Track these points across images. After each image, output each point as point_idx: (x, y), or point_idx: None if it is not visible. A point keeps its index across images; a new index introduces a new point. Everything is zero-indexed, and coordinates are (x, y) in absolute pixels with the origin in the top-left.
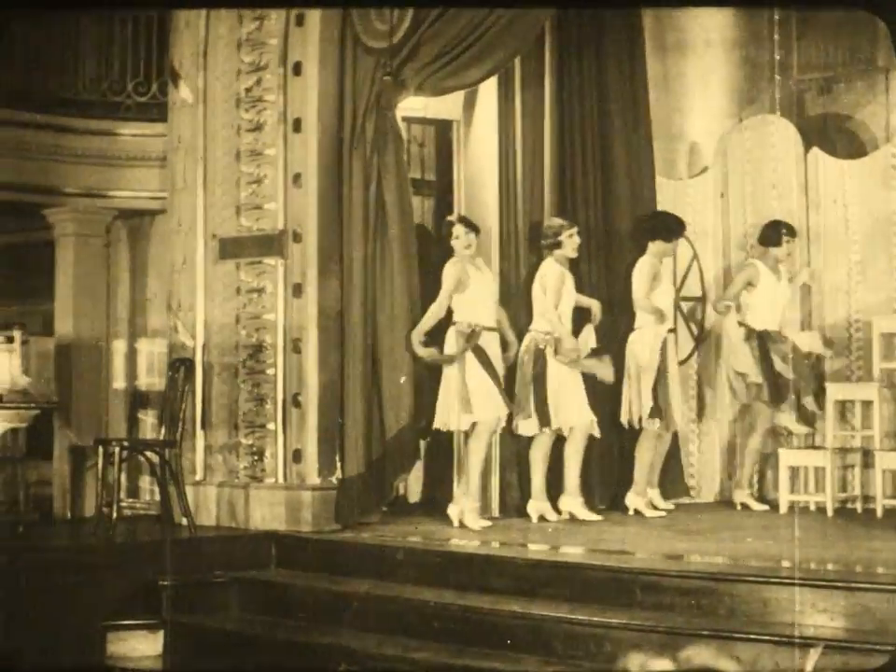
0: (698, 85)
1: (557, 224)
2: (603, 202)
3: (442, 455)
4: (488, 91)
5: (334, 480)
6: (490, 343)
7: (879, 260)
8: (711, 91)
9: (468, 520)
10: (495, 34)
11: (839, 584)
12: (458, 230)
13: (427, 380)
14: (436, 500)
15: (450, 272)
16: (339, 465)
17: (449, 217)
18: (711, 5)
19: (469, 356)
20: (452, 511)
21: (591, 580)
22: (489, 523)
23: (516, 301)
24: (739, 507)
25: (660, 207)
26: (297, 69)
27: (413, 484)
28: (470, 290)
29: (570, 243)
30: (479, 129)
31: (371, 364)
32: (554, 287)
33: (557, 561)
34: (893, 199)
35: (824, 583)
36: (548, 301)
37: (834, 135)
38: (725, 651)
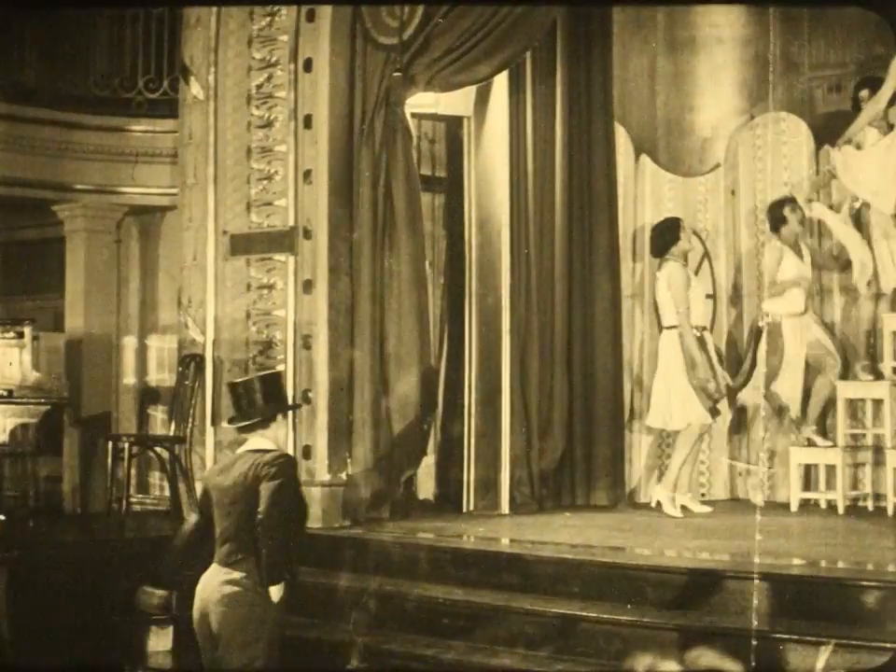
0: (709, 82)
1: None
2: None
3: (454, 453)
4: (499, 86)
5: (344, 476)
6: None
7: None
8: (722, 89)
9: (667, 508)
10: (505, 29)
11: (849, 581)
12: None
13: (434, 376)
14: (447, 497)
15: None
16: (348, 461)
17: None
18: (722, 2)
19: None
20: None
21: (600, 577)
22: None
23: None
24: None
25: (671, 205)
26: (307, 65)
27: (423, 481)
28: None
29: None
30: (490, 125)
31: (379, 361)
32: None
33: (565, 558)
34: None
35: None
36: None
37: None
38: (737, 648)
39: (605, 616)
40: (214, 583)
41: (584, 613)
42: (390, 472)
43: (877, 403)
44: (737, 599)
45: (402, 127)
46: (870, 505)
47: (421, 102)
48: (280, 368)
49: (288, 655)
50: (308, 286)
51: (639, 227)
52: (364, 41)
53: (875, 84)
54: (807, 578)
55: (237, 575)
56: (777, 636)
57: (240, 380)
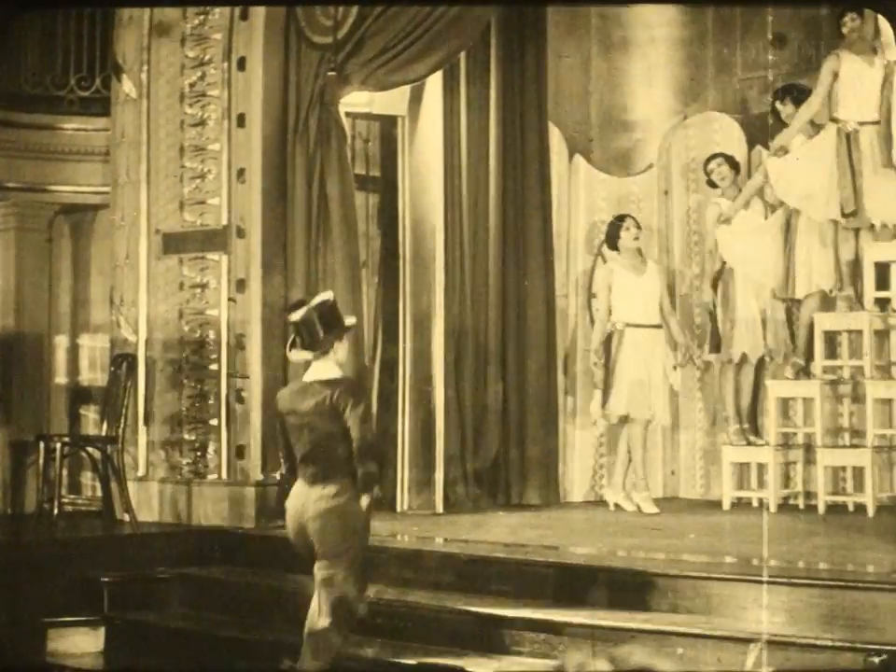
0: (642, 82)
1: None
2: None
3: (389, 452)
4: (433, 86)
5: (277, 476)
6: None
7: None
8: (655, 89)
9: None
10: (439, 29)
11: (781, 580)
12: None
13: (368, 375)
14: (382, 497)
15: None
16: (281, 460)
17: None
18: (681, 2)
19: None
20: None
21: (534, 575)
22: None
23: None
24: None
25: (605, 205)
26: (241, 64)
27: None
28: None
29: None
30: (424, 124)
31: None
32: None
33: (500, 557)
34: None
35: (766, 579)
36: None
37: (776, 133)
38: (667, 647)
39: (538, 616)
40: (307, 500)
41: (517, 613)
42: None
43: (808, 402)
44: (669, 597)
45: (336, 126)
46: (801, 503)
47: (355, 101)
48: (328, 296)
49: (222, 656)
50: (241, 285)
51: (573, 226)
52: (298, 40)
53: (794, 92)
54: (736, 576)
55: (328, 491)
56: (707, 633)
57: (298, 317)
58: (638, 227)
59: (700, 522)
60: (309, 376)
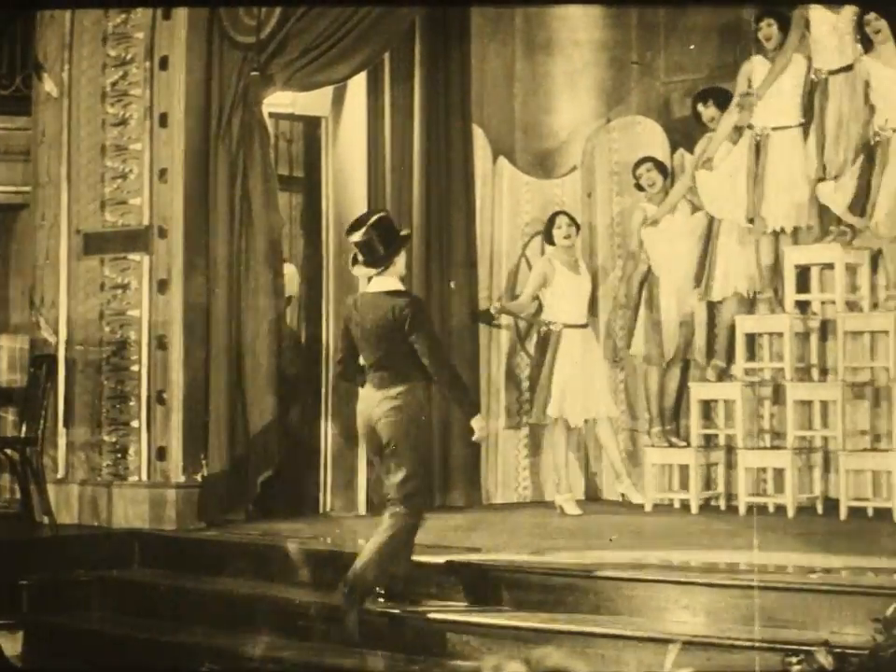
0: (566, 85)
1: None
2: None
3: (306, 454)
4: (357, 86)
5: (199, 478)
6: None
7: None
8: (579, 92)
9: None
10: (363, 30)
11: (702, 581)
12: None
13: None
14: (303, 498)
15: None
16: (203, 462)
17: None
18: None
19: None
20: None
21: (456, 577)
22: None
23: None
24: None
25: (529, 207)
26: (163, 63)
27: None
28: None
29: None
30: (347, 125)
31: (235, 361)
32: None
33: (422, 561)
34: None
35: (688, 580)
36: None
37: (698, 136)
38: (589, 648)
39: (458, 618)
40: (375, 402)
41: (437, 615)
42: (246, 474)
43: (729, 404)
44: (590, 599)
45: (259, 126)
46: (722, 504)
47: (279, 101)
48: (383, 213)
49: (143, 659)
50: (163, 285)
51: (496, 228)
52: (221, 39)
53: (716, 96)
54: (658, 578)
55: (394, 392)
56: (628, 634)
57: (359, 237)
58: (572, 225)
59: (622, 523)
60: (372, 287)
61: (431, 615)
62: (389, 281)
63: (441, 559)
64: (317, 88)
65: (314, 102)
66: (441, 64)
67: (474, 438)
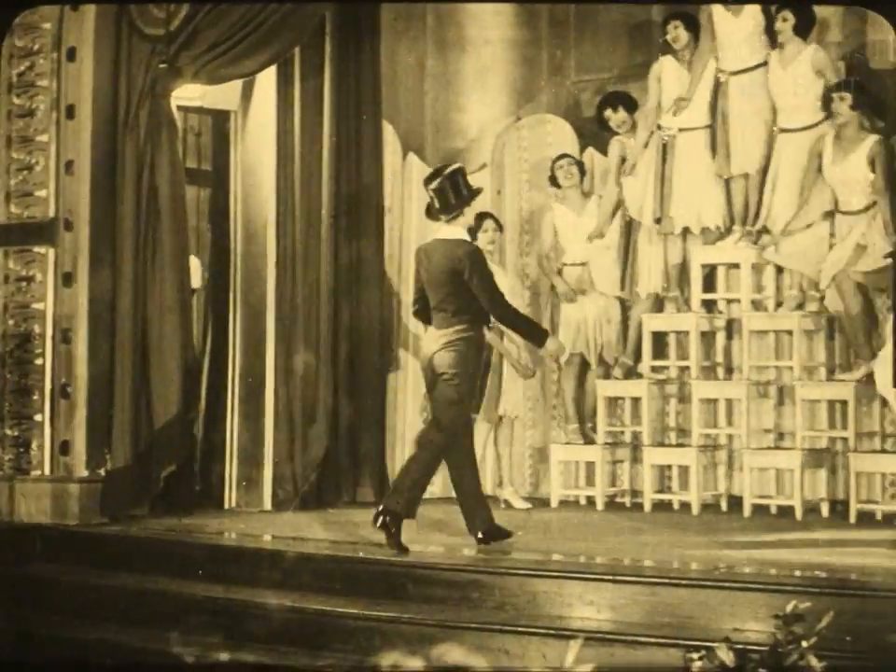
0: (477, 82)
1: None
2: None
3: (217, 449)
4: (267, 80)
5: (102, 472)
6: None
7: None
8: (489, 89)
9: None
10: (273, 24)
11: (606, 577)
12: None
13: (197, 371)
14: (209, 493)
15: None
16: (107, 457)
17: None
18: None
19: None
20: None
21: (362, 573)
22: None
23: None
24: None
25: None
26: (71, 55)
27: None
28: None
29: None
30: (256, 119)
31: (140, 355)
32: None
33: (328, 555)
34: None
35: (592, 576)
36: None
37: (608, 137)
38: (493, 644)
39: (365, 612)
40: (434, 340)
41: (345, 609)
42: (151, 468)
43: (635, 401)
44: (495, 595)
45: (168, 119)
46: (628, 501)
47: (187, 94)
48: (458, 165)
49: (44, 654)
50: (68, 278)
51: (406, 223)
52: (130, 31)
53: (624, 100)
54: (563, 574)
55: (450, 330)
56: (531, 629)
57: (435, 185)
58: (497, 229)
59: (528, 519)
60: (440, 235)
61: (334, 609)
62: (456, 230)
63: (345, 554)
64: (226, 81)
65: (222, 95)
66: (351, 60)
67: (548, 355)
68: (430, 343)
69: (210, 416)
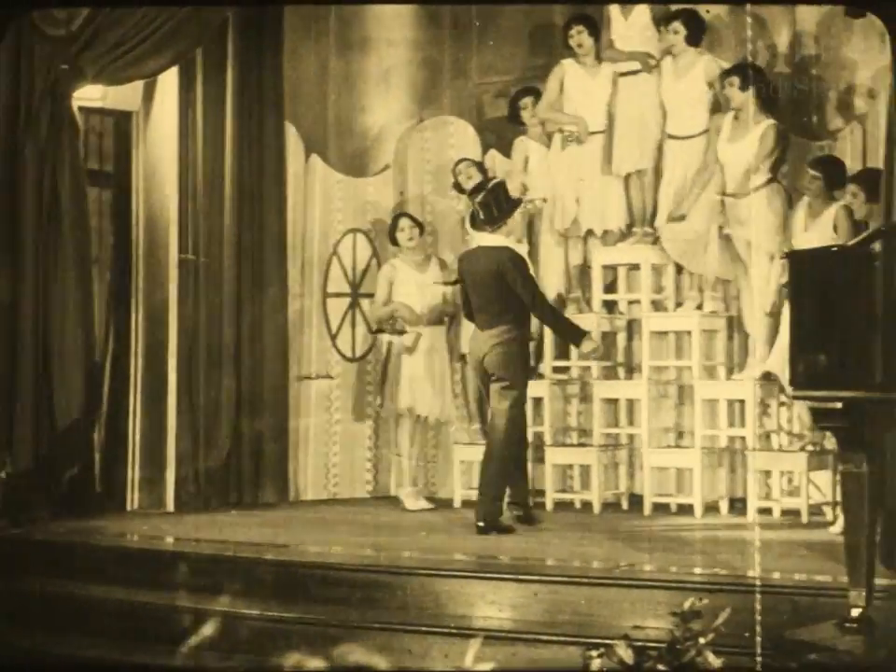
0: (380, 84)
1: None
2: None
3: (120, 450)
4: (169, 81)
5: (3, 475)
6: None
7: None
8: (392, 91)
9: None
10: (174, 25)
11: (508, 576)
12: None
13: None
14: (112, 496)
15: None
16: (7, 459)
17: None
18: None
19: None
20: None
21: (265, 574)
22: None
23: None
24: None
25: (341, 204)
26: None
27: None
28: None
29: None
30: (159, 120)
31: (42, 358)
32: None
33: (231, 556)
34: None
35: (494, 576)
36: None
37: (512, 137)
38: (396, 644)
39: (267, 613)
40: (482, 341)
41: (247, 611)
42: (53, 471)
43: (538, 402)
44: (398, 595)
45: (69, 120)
46: (530, 500)
47: (89, 95)
48: (500, 179)
49: None
50: None
51: (309, 225)
52: (31, 31)
53: (537, 94)
54: (465, 573)
55: (496, 331)
56: (433, 629)
57: (480, 199)
58: (415, 226)
59: (431, 519)
60: (483, 242)
61: (237, 610)
62: (499, 238)
63: (247, 555)
64: (128, 82)
65: (124, 96)
66: (254, 61)
67: (587, 352)
68: (480, 344)
69: (112, 418)
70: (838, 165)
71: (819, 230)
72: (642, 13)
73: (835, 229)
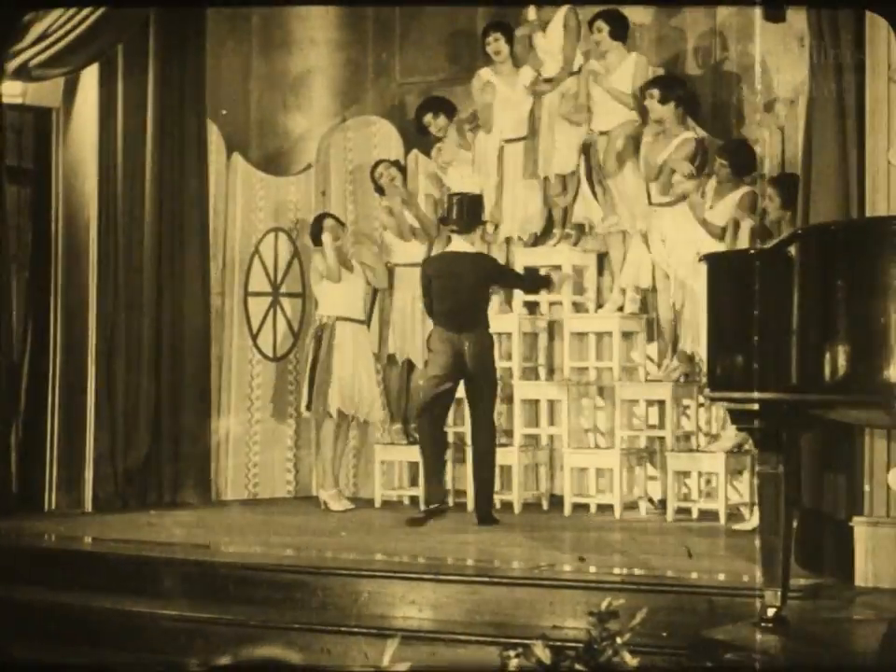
0: (302, 83)
1: None
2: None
3: (37, 450)
4: (90, 78)
5: None
6: None
7: None
8: (315, 90)
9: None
10: (96, 20)
11: (428, 576)
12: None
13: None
14: (29, 496)
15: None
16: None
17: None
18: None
19: None
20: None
21: (184, 574)
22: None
23: None
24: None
25: (263, 203)
26: None
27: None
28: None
29: None
30: (79, 117)
31: None
32: None
33: (150, 556)
34: None
35: (414, 576)
36: None
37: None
38: (317, 644)
39: (185, 613)
40: (463, 342)
41: (165, 611)
42: None
43: (458, 403)
44: (318, 595)
45: None
46: (451, 501)
47: (8, 91)
48: (476, 191)
49: None
50: None
51: (230, 224)
52: None
53: (444, 106)
54: (385, 573)
55: (475, 334)
56: (352, 629)
57: (454, 207)
58: (339, 226)
59: (352, 519)
60: (453, 247)
61: (154, 611)
62: (464, 244)
63: (166, 556)
64: (48, 79)
65: (44, 93)
66: (175, 59)
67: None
68: (454, 345)
69: (29, 418)
70: (747, 151)
71: (722, 209)
72: (557, 22)
73: (739, 210)
